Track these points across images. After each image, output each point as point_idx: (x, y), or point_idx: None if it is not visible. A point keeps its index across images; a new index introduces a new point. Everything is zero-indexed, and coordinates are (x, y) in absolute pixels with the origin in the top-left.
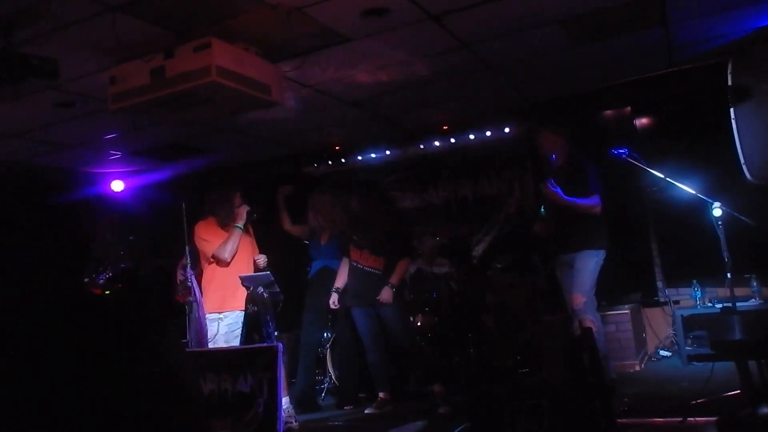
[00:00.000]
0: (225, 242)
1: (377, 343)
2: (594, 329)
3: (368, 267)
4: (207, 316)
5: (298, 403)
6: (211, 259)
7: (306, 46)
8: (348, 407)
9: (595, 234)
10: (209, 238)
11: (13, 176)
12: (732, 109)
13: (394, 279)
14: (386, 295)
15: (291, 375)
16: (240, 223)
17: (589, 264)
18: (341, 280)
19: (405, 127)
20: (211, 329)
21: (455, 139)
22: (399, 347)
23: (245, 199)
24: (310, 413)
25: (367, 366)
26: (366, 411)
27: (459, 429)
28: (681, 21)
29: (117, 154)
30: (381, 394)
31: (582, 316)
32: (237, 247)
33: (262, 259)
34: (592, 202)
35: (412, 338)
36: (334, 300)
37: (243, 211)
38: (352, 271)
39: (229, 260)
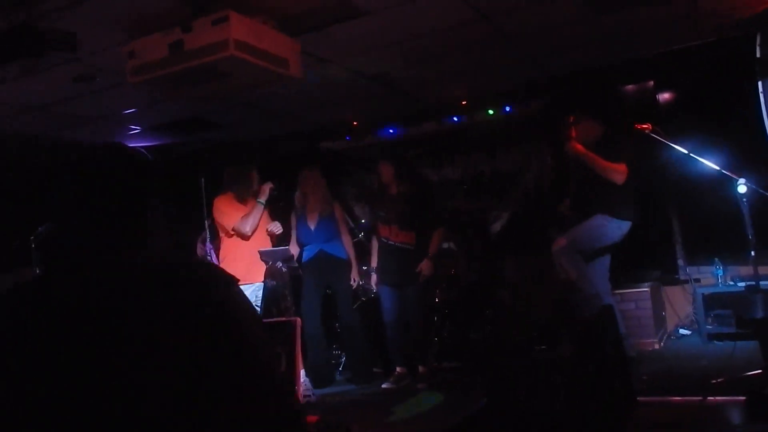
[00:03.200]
0: (246, 216)
1: (400, 320)
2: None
3: (400, 243)
4: None
5: (315, 378)
6: (231, 232)
7: (324, 19)
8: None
9: (613, 202)
10: (229, 211)
11: (33, 149)
12: (760, 82)
13: (432, 249)
14: (426, 267)
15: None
16: (262, 199)
17: (594, 221)
18: (375, 259)
19: (423, 102)
20: None
21: (473, 114)
22: (413, 324)
23: (261, 175)
24: (327, 387)
25: (381, 341)
26: (383, 386)
27: (476, 405)
28: None
29: (136, 129)
30: (398, 369)
31: (557, 260)
32: (258, 222)
33: (274, 226)
34: (616, 166)
35: (428, 316)
36: (375, 281)
37: (266, 188)
38: (383, 248)
39: (249, 234)
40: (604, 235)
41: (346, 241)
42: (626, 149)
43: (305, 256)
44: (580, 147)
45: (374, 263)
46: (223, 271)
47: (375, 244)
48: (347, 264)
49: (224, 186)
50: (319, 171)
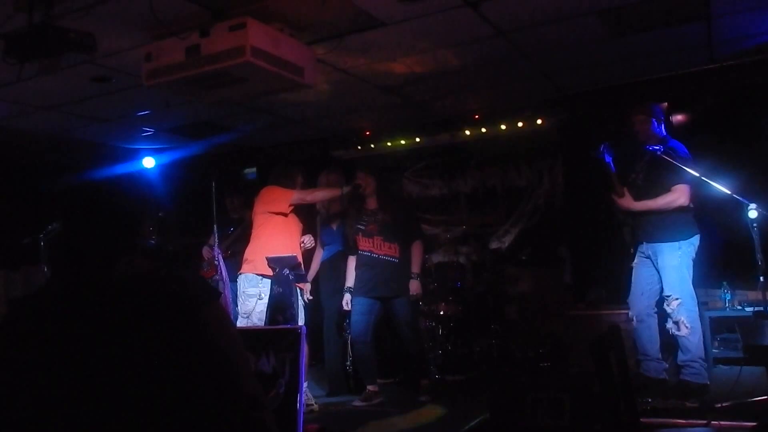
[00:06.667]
0: (316, 189)
1: (369, 336)
2: (686, 331)
3: (384, 256)
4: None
5: (330, 385)
6: (288, 208)
7: (341, 29)
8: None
9: (675, 223)
10: (285, 188)
11: (46, 147)
12: None
13: (416, 268)
14: (415, 287)
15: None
16: (343, 189)
17: (671, 260)
18: (351, 279)
19: (436, 115)
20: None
21: (486, 129)
22: (406, 339)
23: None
24: (339, 396)
25: (384, 352)
26: (353, 403)
27: (479, 419)
28: (724, 16)
29: (149, 131)
30: (369, 387)
31: (676, 318)
32: (322, 199)
33: (308, 240)
34: (671, 198)
35: (418, 332)
36: (347, 300)
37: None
38: (366, 262)
39: (308, 201)
40: (684, 259)
41: None
42: (683, 167)
43: (324, 255)
44: (631, 203)
45: (350, 283)
46: (199, 288)
47: (351, 262)
48: None
49: (270, 181)
50: (338, 173)
